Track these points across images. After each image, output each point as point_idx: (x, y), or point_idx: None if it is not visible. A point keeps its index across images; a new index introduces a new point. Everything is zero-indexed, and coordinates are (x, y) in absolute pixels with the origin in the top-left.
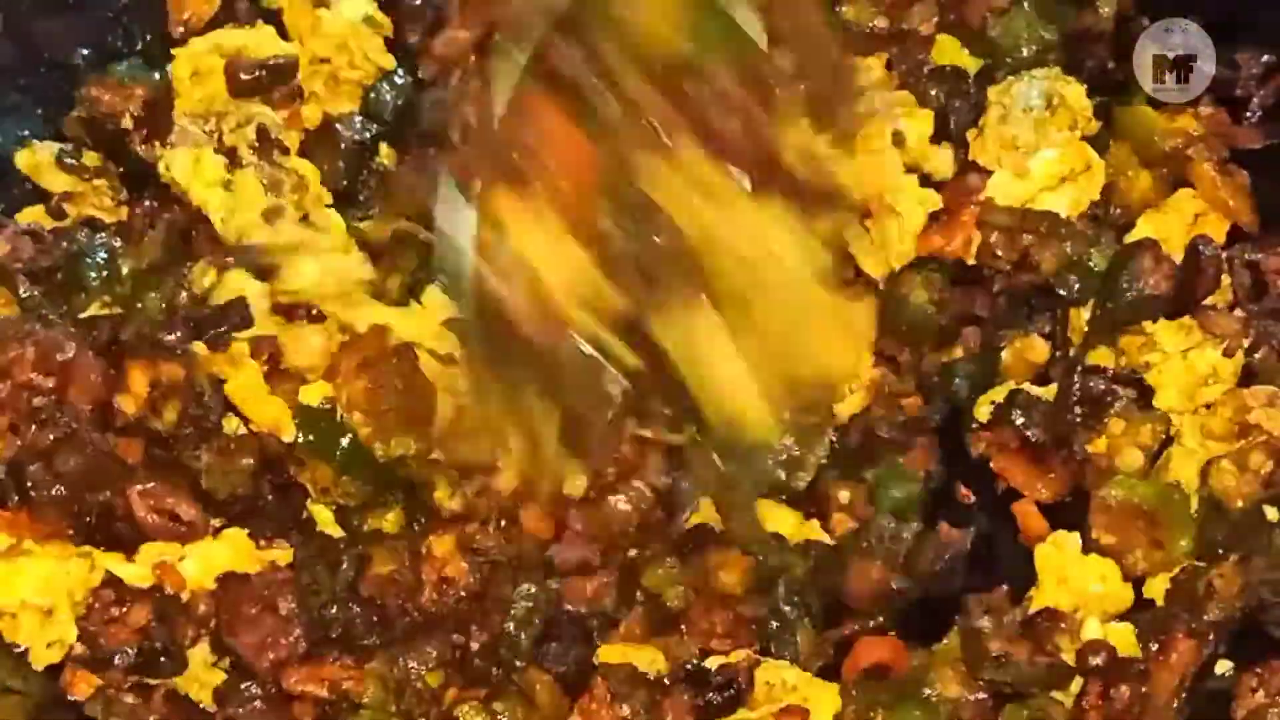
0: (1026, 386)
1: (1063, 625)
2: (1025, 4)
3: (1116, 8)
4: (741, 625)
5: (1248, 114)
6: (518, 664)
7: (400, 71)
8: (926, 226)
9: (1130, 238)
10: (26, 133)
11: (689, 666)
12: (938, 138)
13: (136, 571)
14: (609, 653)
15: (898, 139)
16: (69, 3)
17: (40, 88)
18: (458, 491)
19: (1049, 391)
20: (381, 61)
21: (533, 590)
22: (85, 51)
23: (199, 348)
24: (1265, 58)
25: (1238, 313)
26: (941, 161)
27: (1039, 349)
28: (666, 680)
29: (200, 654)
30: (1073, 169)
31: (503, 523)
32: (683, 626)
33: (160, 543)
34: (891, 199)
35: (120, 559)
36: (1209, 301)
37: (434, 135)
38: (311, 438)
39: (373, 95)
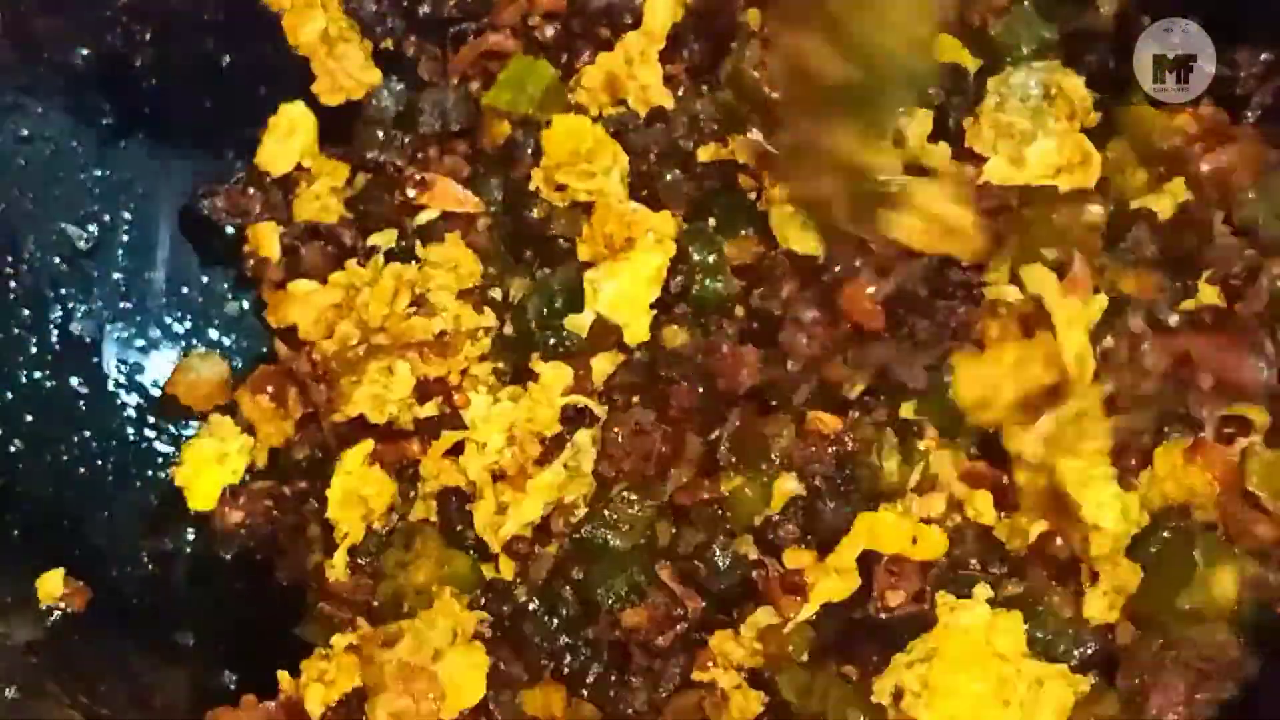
0: None
1: None
2: (1025, 3)
3: (1117, 7)
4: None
5: (1247, 113)
6: None
7: (394, 78)
8: None
9: None
10: (26, 133)
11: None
12: (935, 136)
13: None
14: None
15: (897, 138)
16: (69, 2)
17: (40, 88)
18: None
19: None
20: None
21: None
22: (85, 51)
23: None
24: (1265, 57)
25: None
26: (940, 159)
27: None
28: None
29: None
30: (1070, 160)
31: None
32: None
33: None
34: None
35: None
36: None
37: (433, 136)
38: None
39: (374, 101)
